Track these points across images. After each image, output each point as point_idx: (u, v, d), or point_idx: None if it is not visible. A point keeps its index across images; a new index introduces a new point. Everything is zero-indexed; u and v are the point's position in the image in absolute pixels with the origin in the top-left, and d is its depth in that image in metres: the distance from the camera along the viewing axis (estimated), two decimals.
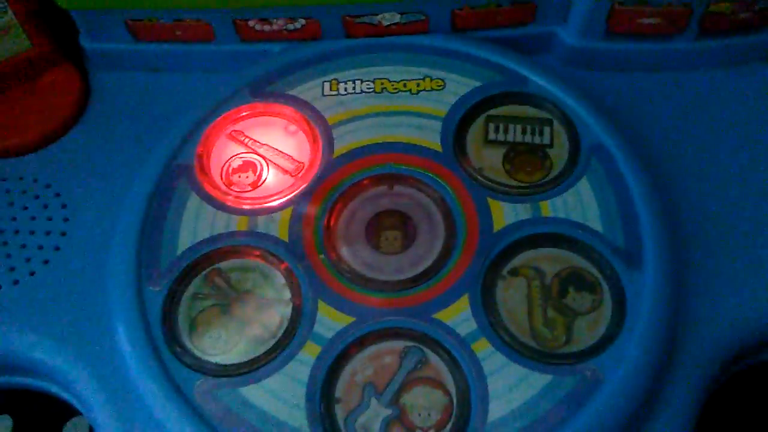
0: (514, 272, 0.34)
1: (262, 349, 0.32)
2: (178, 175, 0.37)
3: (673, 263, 0.34)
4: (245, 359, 0.32)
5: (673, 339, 0.33)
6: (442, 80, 0.40)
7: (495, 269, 0.34)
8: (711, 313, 0.34)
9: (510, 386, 0.31)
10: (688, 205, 0.37)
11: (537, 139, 0.38)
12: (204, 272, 0.34)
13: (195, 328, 0.33)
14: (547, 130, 0.38)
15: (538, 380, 0.31)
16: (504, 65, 0.40)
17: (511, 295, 0.33)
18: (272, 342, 0.32)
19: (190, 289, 0.34)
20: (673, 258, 0.34)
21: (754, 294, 0.35)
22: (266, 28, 0.41)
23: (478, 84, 0.39)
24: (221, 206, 0.36)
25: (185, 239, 0.35)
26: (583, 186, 0.36)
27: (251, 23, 0.41)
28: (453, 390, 0.31)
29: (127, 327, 0.33)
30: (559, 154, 0.37)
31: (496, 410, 0.30)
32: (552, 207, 0.35)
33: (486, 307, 0.33)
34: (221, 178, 0.38)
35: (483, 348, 0.32)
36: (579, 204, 0.35)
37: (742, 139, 0.39)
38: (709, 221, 0.36)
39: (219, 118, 0.39)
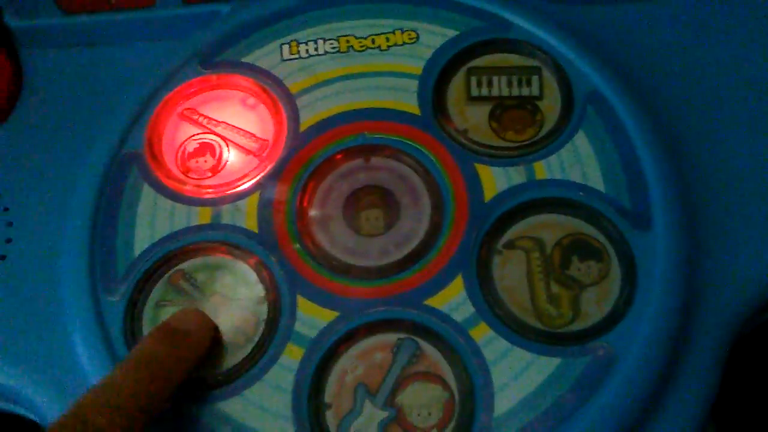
0: (510, 245, 0.31)
1: (239, 357, 0.29)
2: (128, 166, 0.33)
3: (685, 220, 0.30)
4: (221, 369, 0.29)
5: (689, 304, 0.30)
6: (415, 32, 0.35)
7: (489, 244, 0.31)
8: (727, 271, 0.31)
9: (516, 374, 0.28)
10: (697, 151, 0.33)
11: (525, 91, 0.34)
12: (166, 276, 0.31)
13: None
14: (535, 79, 0.34)
15: (546, 365, 0.28)
16: (483, 9, 0.36)
17: (509, 271, 0.30)
18: (249, 347, 0.29)
19: (153, 296, 0.31)
20: (684, 215, 0.31)
21: None
22: None
23: (454, 33, 0.35)
24: (179, 197, 0.33)
25: (142, 239, 0.32)
26: (580, 140, 0.32)
27: None
28: (453, 384, 0.28)
29: (87, 343, 0.30)
30: (551, 105, 0.34)
31: (503, 402, 0.28)
32: (547, 168, 0.32)
33: (483, 287, 0.30)
34: (176, 165, 0.34)
35: (483, 334, 0.29)
36: (577, 162, 0.32)
37: (754, 72, 0.35)
38: (719, 168, 0.33)
39: (167, 97, 0.35)
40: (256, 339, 0.29)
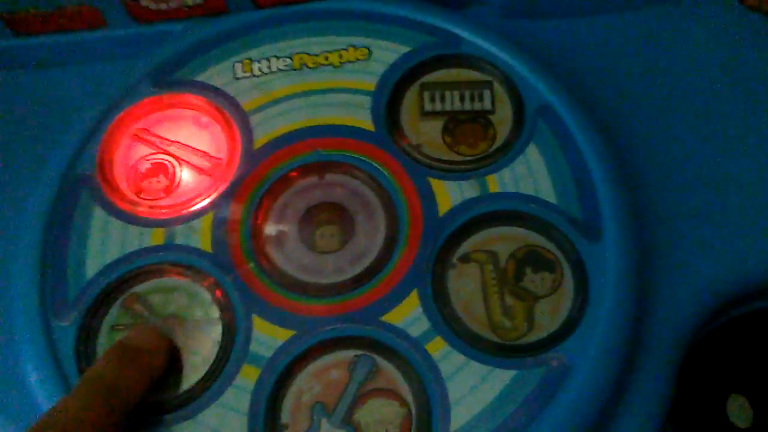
0: (465, 258, 0.31)
1: (193, 379, 0.29)
2: (78, 188, 0.33)
3: (634, 231, 0.31)
4: (176, 393, 0.29)
5: (641, 313, 0.30)
6: (367, 48, 0.36)
7: (444, 258, 0.31)
8: (678, 279, 0.32)
9: (472, 388, 0.28)
10: (645, 163, 0.34)
11: (477, 105, 0.35)
12: (120, 299, 0.30)
13: None
14: (487, 93, 0.35)
15: (502, 377, 0.28)
16: (434, 25, 0.36)
17: (464, 284, 0.30)
18: (204, 369, 0.29)
19: (107, 321, 0.30)
20: (633, 225, 0.31)
21: (721, 252, 0.32)
22: (162, 6, 0.36)
23: (407, 49, 0.35)
24: (132, 218, 0.32)
25: (94, 262, 0.31)
26: (532, 153, 0.33)
27: (144, 2, 0.36)
28: (410, 400, 0.28)
29: (37, 369, 0.29)
30: (503, 119, 0.34)
31: (459, 417, 0.28)
32: (500, 181, 0.32)
33: (438, 301, 0.30)
34: (129, 186, 0.33)
35: (439, 348, 0.29)
36: (529, 174, 0.32)
37: (700, 84, 0.36)
38: (669, 179, 0.34)
39: (119, 117, 0.34)
40: (211, 361, 0.29)
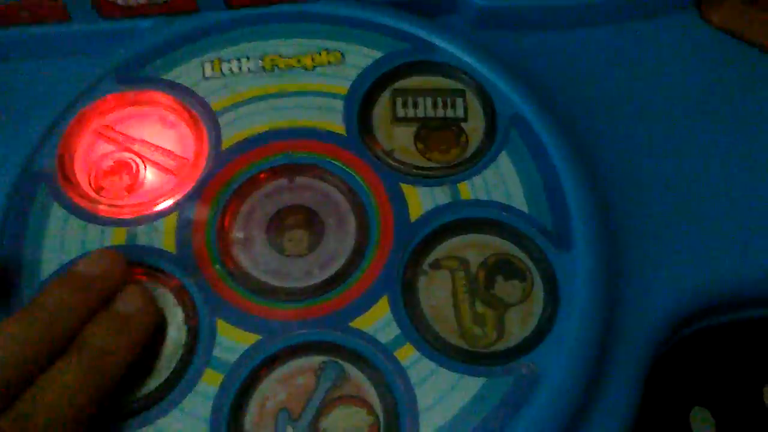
0: (436, 265, 0.31)
1: (154, 384, 0.28)
2: (36, 184, 0.31)
3: (604, 241, 0.31)
4: (135, 397, 0.27)
5: (610, 321, 0.30)
6: (340, 52, 0.35)
7: (415, 264, 0.30)
8: (647, 289, 0.32)
9: (441, 395, 0.28)
10: (616, 174, 0.34)
11: (450, 113, 0.34)
12: None
13: None
14: (460, 101, 0.35)
15: (471, 385, 0.28)
16: (408, 32, 0.36)
17: (434, 291, 0.30)
18: (166, 374, 0.28)
19: None
20: (603, 234, 0.31)
21: (689, 264, 0.33)
22: (130, 1, 0.35)
23: (380, 54, 0.35)
24: (92, 217, 0.31)
25: (50, 261, 0.30)
26: (504, 162, 0.33)
27: None
28: (378, 407, 0.28)
29: None
30: (475, 127, 0.34)
31: (428, 424, 0.27)
32: (472, 188, 0.32)
33: (408, 308, 0.29)
34: (90, 184, 0.32)
35: (408, 355, 0.28)
36: (501, 182, 0.32)
37: (670, 97, 0.37)
38: (640, 190, 0.34)
39: (81, 112, 0.33)
40: (173, 365, 0.28)
